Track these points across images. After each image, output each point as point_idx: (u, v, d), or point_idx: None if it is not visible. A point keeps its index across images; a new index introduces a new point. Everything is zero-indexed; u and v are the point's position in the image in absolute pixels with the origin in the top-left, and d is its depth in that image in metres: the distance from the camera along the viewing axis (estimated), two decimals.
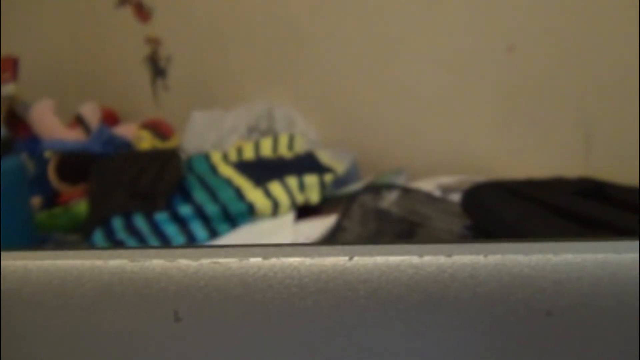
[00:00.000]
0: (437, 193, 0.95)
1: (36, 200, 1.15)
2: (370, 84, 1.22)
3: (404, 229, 0.86)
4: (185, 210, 0.90)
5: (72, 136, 1.47)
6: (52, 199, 1.15)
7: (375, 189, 0.93)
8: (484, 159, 1.07)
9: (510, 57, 0.99)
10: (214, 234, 0.90)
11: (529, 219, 0.71)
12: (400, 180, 1.05)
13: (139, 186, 0.95)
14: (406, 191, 0.92)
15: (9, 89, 1.57)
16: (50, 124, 1.53)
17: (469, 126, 1.09)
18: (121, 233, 0.88)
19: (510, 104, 1.02)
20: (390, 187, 0.93)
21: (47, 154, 1.26)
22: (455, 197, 0.92)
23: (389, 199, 0.91)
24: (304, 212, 0.95)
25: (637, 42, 0.85)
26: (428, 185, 0.97)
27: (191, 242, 0.87)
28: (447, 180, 0.99)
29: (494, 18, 1.01)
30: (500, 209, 0.72)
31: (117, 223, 0.89)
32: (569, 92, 0.95)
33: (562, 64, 0.94)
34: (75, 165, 1.18)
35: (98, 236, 0.88)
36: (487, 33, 1.02)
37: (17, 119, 1.54)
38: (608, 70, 0.90)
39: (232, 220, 0.91)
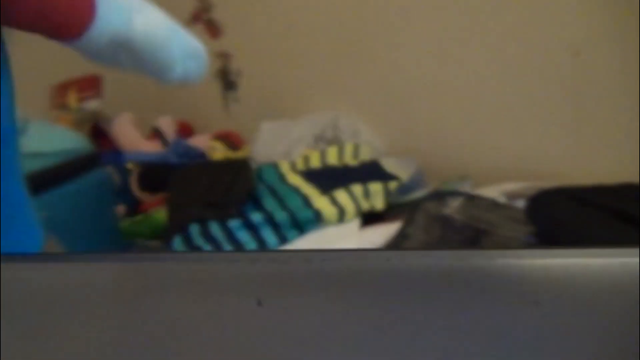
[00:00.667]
0: (502, 200, 0.95)
1: (120, 209, 1.24)
2: (434, 91, 1.23)
3: (468, 235, 0.87)
4: (256, 217, 0.95)
5: (151, 148, 1.57)
6: (134, 208, 1.23)
7: (440, 195, 0.94)
8: (551, 164, 1.06)
9: (577, 61, 0.98)
10: (283, 239, 0.94)
11: (596, 227, 0.71)
12: (465, 188, 1.06)
13: (214, 195, 1.01)
14: (470, 198, 0.93)
15: (93, 105, 1.68)
16: (131, 137, 1.63)
17: (535, 132, 1.08)
18: (198, 239, 0.94)
19: (577, 108, 1.01)
20: (454, 194, 0.95)
21: (129, 165, 1.35)
22: (520, 204, 0.93)
23: (453, 206, 0.92)
24: (369, 218, 0.98)
25: None
26: (493, 192, 0.98)
27: (262, 247, 0.92)
28: (512, 186, 0.99)
29: (559, 21, 1.01)
30: (567, 217, 0.72)
31: (194, 230, 0.95)
32: (637, 95, 0.93)
33: (631, 67, 0.93)
34: (155, 175, 1.27)
35: (178, 242, 0.94)
36: (553, 37, 1.02)
37: (101, 133, 1.65)
38: None
39: (300, 226, 0.95)
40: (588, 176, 0.90)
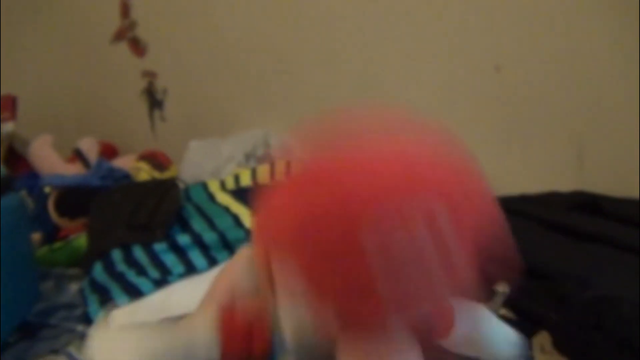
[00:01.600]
0: None
1: (37, 236, 1.16)
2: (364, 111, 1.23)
3: None
4: (183, 239, 0.90)
5: (71, 170, 1.48)
6: (52, 234, 1.15)
7: None
8: None
9: (501, 77, 1.00)
10: (213, 262, 0.90)
11: (520, 236, 0.71)
12: None
13: (137, 218, 0.96)
14: None
15: (8, 127, 1.58)
16: (49, 159, 1.54)
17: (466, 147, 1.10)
18: (121, 265, 0.88)
19: (502, 123, 1.03)
20: None
21: (47, 189, 1.27)
22: None
23: None
24: None
25: (627, 60, 0.87)
26: None
27: (190, 271, 0.88)
28: None
29: (481, 37, 1.03)
30: None
31: (117, 255, 0.90)
32: (560, 108, 0.96)
33: (553, 83, 0.96)
34: (75, 199, 1.19)
35: (98, 269, 0.88)
36: (476, 52, 1.04)
37: (16, 156, 1.55)
38: (597, 87, 0.92)
39: (231, 247, 0.92)
40: (515, 188, 0.92)
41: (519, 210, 0.77)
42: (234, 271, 0.40)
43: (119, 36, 1.68)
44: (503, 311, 0.62)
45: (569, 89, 0.94)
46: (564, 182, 0.92)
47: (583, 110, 0.94)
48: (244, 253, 0.39)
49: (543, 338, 0.54)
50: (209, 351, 0.37)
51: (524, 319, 0.59)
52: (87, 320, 0.82)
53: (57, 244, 1.09)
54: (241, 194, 1.07)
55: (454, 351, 0.42)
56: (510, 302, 0.61)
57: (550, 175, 0.99)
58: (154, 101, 1.69)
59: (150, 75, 1.65)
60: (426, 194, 0.34)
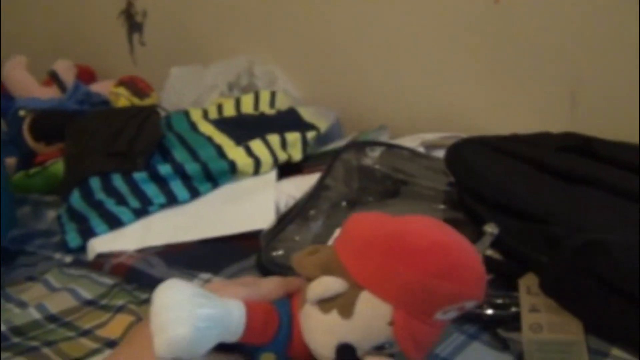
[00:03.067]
0: (421, 150, 0.94)
1: (11, 161, 1.12)
2: (352, 41, 1.19)
3: (387, 187, 0.85)
4: (164, 169, 0.87)
5: (47, 94, 1.43)
6: (28, 159, 1.12)
7: (358, 145, 0.91)
8: (469, 114, 1.06)
9: (497, 10, 0.96)
10: (195, 193, 0.88)
11: (511, 176, 0.70)
12: (383, 137, 1.04)
13: (117, 145, 0.93)
14: (390, 148, 0.91)
15: None
16: (24, 82, 1.48)
17: (453, 81, 1.07)
18: (99, 193, 0.85)
19: (496, 58, 1.00)
20: (373, 143, 0.92)
21: (22, 112, 1.22)
22: (440, 154, 0.91)
23: (373, 156, 0.89)
24: (286, 170, 0.94)
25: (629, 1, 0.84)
26: (411, 142, 0.96)
27: (172, 201, 0.86)
28: (430, 136, 0.98)
29: None
30: (484, 166, 0.71)
31: (95, 183, 0.87)
32: (556, 46, 0.93)
33: (549, 17, 0.92)
34: (50, 124, 1.15)
35: (75, 197, 0.86)
36: None
37: None
38: (596, 25, 0.89)
39: (213, 178, 0.89)
40: (506, 127, 0.90)
41: (510, 150, 0.75)
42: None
43: None
44: (490, 252, 0.61)
45: (568, 26, 0.91)
46: (555, 123, 0.90)
47: (580, 50, 0.91)
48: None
49: (530, 279, 0.54)
50: (237, 328, 0.39)
51: (511, 260, 0.59)
52: (65, 248, 0.80)
53: (34, 170, 1.06)
54: (224, 125, 1.03)
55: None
56: (497, 243, 0.60)
57: (542, 115, 0.97)
58: (133, 24, 1.62)
59: None
60: None
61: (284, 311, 0.42)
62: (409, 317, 0.38)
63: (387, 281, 0.38)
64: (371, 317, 0.38)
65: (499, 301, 0.54)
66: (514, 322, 0.52)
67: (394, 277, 0.38)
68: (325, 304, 0.40)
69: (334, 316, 0.39)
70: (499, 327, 0.53)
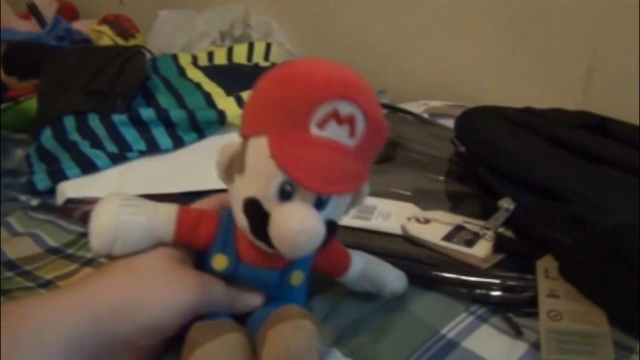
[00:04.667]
0: (425, 116, 0.88)
1: None
2: None
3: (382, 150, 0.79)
4: (147, 113, 0.80)
5: (25, 27, 1.33)
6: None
7: None
8: (476, 86, 1.00)
9: None
10: (179, 142, 0.81)
11: (528, 149, 0.64)
12: (383, 101, 0.97)
13: (96, 84, 0.85)
14: (392, 111, 0.85)
15: None
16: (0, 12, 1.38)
17: (461, 49, 1.01)
18: (74, 134, 0.78)
19: (509, 29, 0.94)
20: None
21: None
22: (444, 123, 0.86)
23: None
24: None
25: None
26: (416, 108, 0.90)
27: (153, 148, 0.79)
28: (436, 104, 0.92)
29: None
30: (499, 136, 0.65)
31: (69, 122, 0.79)
32: (574, 19, 0.87)
33: None
34: (25, 57, 1.06)
35: (47, 136, 0.78)
36: None
37: None
38: (615, 2, 0.83)
39: (200, 128, 0.82)
40: (516, 101, 0.84)
41: (525, 122, 0.69)
42: None
43: None
44: (501, 229, 0.56)
45: (588, 2, 0.85)
46: (569, 100, 0.85)
47: (598, 28, 0.85)
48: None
49: (548, 262, 0.49)
50: (165, 231, 0.40)
51: (526, 240, 0.53)
52: (32, 189, 0.73)
53: (4, 105, 0.98)
54: (214, 72, 0.96)
55: (350, 288, 0.47)
56: (512, 220, 0.55)
57: (555, 91, 0.91)
58: None
59: None
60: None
61: (228, 216, 0.40)
62: (279, 137, 0.36)
63: (254, 115, 0.38)
64: (257, 159, 0.37)
65: (512, 283, 0.49)
66: (527, 307, 0.47)
67: (255, 107, 0.38)
68: (230, 174, 0.39)
69: (236, 179, 0.38)
70: (510, 311, 0.48)
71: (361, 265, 0.46)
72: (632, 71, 0.84)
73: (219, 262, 0.40)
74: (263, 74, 0.38)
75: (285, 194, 0.36)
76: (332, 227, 0.38)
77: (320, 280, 0.47)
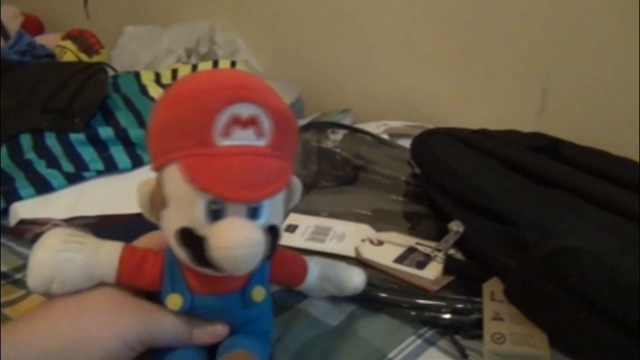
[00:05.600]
0: (385, 137, 0.89)
1: None
2: (322, 17, 1.13)
3: (347, 173, 0.80)
4: (105, 132, 0.80)
5: None
6: None
7: (320, 126, 0.86)
8: (435, 105, 1.02)
9: (472, 1, 0.92)
10: (138, 161, 0.80)
11: (479, 172, 0.66)
12: (346, 122, 0.98)
13: (54, 101, 0.84)
14: (352, 132, 0.86)
15: None
16: None
17: (422, 70, 1.03)
18: (29, 153, 0.77)
19: (468, 49, 0.96)
20: (335, 125, 0.86)
21: None
22: (404, 143, 0.87)
23: (334, 139, 0.84)
24: None
25: (608, 5, 0.81)
26: (376, 128, 0.91)
27: (111, 168, 0.78)
28: (395, 124, 0.93)
29: None
30: (452, 159, 0.66)
31: (26, 141, 0.78)
32: (530, 43, 0.90)
33: (526, 13, 0.89)
34: None
35: (2, 154, 0.77)
36: None
37: None
38: (571, 25, 0.85)
39: None
40: (473, 122, 0.86)
41: (479, 144, 0.71)
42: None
43: None
44: (452, 251, 0.57)
45: (545, 23, 0.87)
46: (524, 122, 0.87)
47: (554, 50, 0.88)
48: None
49: (494, 285, 0.50)
50: (108, 271, 0.39)
51: (475, 262, 0.54)
52: None
53: None
54: None
55: (313, 295, 0.49)
56: (461, 242, 0.56)
57: (511, 112, 0.94)
58: None
59: None
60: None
61: (171, 252, 0.39)
62: (189, 159, 0.35)
63: (157, 144, 0.37)
64: (175, 189, 0.36)
65: (460, 306, 0.50)
66: (475, 329, 0.48)
67: (157, 135, 0.37)
68: (155, 211, 0.38)
69: (162, 215, 0.37)
70: (458, 333, 0.48)
71: (318, 268, 0.47)
72: (585, 92, 0.86)
73: (173, 302, 0.39)
74: (156, 100, 0.37)
75: (214, 214, 0.35)
76: (274, 231, 0.37)
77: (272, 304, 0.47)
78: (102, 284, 0.39)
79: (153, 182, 0.38)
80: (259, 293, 0.40)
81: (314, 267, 0.47)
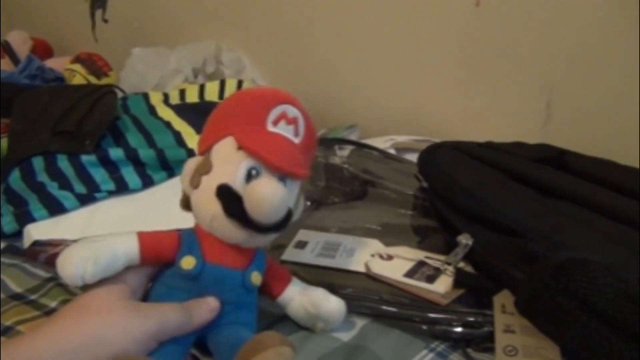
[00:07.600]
0: (392, 152, 0.90)
1: None
2: (326, 34, 1.14)
3: (355, 188, 0.81)
4: (116, 153, 0.81)
5: None
6: None
7: (327, 143, 0.87)
8: (441, 119, 1.02)
9: (477, 14, 0.93)
10: (149, 181, 0.81)
11: (486, 185, 0.66)
12: (353, 137, 0.99)
13: (65, 124, 0.85)
14: (359, 147, 0.86)
15: None
16: None
17: (427, 85, 1.03)
18: (42, 175, 0.78)
19: (473, 63, 0.97)
20: (342, 141, 0.87)
21: None
22: (411, 157, 0.88)
23: (341, 155, 0.85)
24: None
25: (604, 11, 0.81)
26: (382, 143, 0.92)
27: (122, 188, 0.79)
28: (402, 138, 0.94)
29: None
30: (459, 173, 0.67)
31: (38, 163, 0.79)
32: (534, 56, 0.90)
33: (529, 27, 0.89)
34: None
35: (15, 176, 0.78)
36: None
37: None
38: (575, 37, 0.86)
39: (170, 167, 0.83)
40: (479, 135, 0.86)
41: (486, 157, 0.71)
42: None
43: None
44: (461, 264, 0.57)
45: (548, 35, 0.88)
46: (529, 134, 0.87)
47: (557, 62, 0.89)
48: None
49: (505, 297, 0.50)
50: (132, 251, 0.44)
51: (485, 275, 0.55)
52: None
53: None
54: (185, 111, 0.97)
55: (290, 312, 0.51)
56: (471, 256, 0.56)
57: (516, 124, 0.94)
58: None
59: None
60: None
61: (187, 230, 0.46)
62: (243, 132, 0.44)
63: (214, 127, 0.47)
64: (224, 154, 0.44)
65: (471, 319, 0.50)
66: (486, 342, 0.48)
67: (215, 121, 0.47)
68: (195, 181, 0.45)
69: (202, 181, 0.44)
70: (470, 346, 0.49)
71: (299, 285, 0.51)
72: (589, 103, 0.87)
73: (187, 262, 0.44)
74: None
75: (252, 178, 0.43)
76: (288, 211, 0.44)
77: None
78: (102, 283, 0.41)
79: (199, 158, 0.46)
80: (256, 277, 0.46)
81: (297, 282, 0.51)
